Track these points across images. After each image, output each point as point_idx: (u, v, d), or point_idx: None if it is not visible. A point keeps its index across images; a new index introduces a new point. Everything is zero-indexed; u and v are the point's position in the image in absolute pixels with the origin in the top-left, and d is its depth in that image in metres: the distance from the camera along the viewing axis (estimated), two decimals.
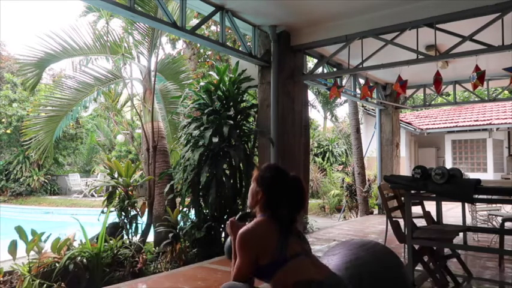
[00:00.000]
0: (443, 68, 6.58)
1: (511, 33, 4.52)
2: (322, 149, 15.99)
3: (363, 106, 13.70)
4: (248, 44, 5.55)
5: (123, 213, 5.29)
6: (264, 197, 1.85)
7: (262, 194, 1.85)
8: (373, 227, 7.14)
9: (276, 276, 1.73)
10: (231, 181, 5.17)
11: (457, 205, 6.52)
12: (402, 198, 3.81)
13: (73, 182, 17.29)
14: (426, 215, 3.97)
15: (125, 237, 5.20)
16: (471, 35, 4.57)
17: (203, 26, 8.77)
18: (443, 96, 11.61)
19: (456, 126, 14.28)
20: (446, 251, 3.89)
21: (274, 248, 1.74)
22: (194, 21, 7.49)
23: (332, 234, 6.33)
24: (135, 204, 5.45)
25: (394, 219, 3.60)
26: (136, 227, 5.46)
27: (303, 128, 6.26)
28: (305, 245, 1.86)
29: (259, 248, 1.75)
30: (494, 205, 5.47)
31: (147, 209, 5.78)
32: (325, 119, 22.16)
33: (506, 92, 10.83)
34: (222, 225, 5.30)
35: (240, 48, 5.66)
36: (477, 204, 5.38)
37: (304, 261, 1.75)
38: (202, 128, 5.12)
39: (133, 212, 5.40)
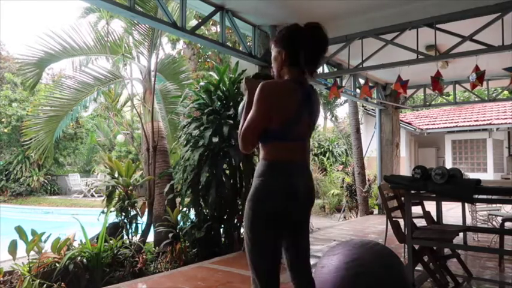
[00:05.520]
0: (443, 68, 6.57)
1: (511, 33, 4.52)
2: (322, 149, 16.00)
3: (363, 106, 13.69)
4: (248, 44, 5.55)
5: (123, 213, 5.30)
6: (286, 53, 1.83)
7: (284, 52, 1.84)
8: (373, 227, 7.14)
9: (271, 144, 1.75)
10: (231, 181, 5.17)
11: (457, 205, 6.51)
12: (402, 198, 3.81)
13: (73, 182, 17.29)
14: (426, 215, 3.97)
15: (125, 237, 5.20)
16: (471, 35, 4.57)
17: (203, 28, 8.77)
18: (443, 96, 11.62)
19: (456, 126, 14.27)
20: (446, 251, 3.89)
21: (289, 112, 1.73)
22: (194, 22, 7.49)
23: (332, 234, 6.33)
24: (135, 204, 5.45)
25: (394, 219, 3.59)
26: (136, 227, 5.46)
27: None
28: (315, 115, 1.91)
29: (277, 103, 1.72)
30: (494, 205, 5.47)
31: (147, 209, 5.79)
32: (325, 119, 22.15)
33: (506, 92, 10.84)
34: (222, 225, 5.30)
35: (240, 48, 5.65)
36: (477, 204, 5.37)
37: (298, 144, 1.80)
38: (202, 128, 5.12)
39: (133, 212, 5.41)
